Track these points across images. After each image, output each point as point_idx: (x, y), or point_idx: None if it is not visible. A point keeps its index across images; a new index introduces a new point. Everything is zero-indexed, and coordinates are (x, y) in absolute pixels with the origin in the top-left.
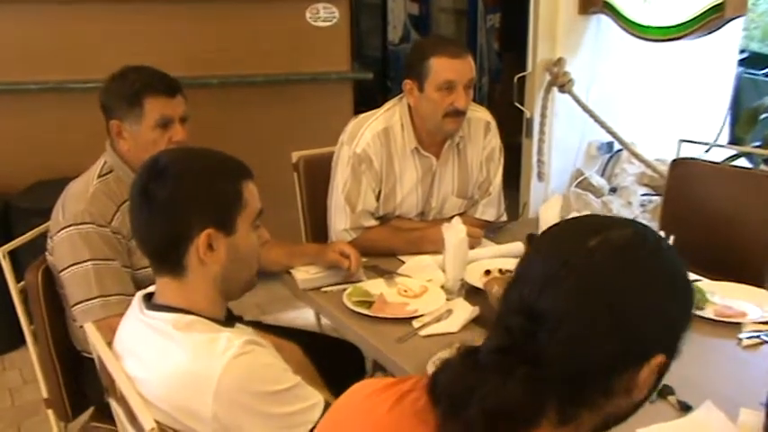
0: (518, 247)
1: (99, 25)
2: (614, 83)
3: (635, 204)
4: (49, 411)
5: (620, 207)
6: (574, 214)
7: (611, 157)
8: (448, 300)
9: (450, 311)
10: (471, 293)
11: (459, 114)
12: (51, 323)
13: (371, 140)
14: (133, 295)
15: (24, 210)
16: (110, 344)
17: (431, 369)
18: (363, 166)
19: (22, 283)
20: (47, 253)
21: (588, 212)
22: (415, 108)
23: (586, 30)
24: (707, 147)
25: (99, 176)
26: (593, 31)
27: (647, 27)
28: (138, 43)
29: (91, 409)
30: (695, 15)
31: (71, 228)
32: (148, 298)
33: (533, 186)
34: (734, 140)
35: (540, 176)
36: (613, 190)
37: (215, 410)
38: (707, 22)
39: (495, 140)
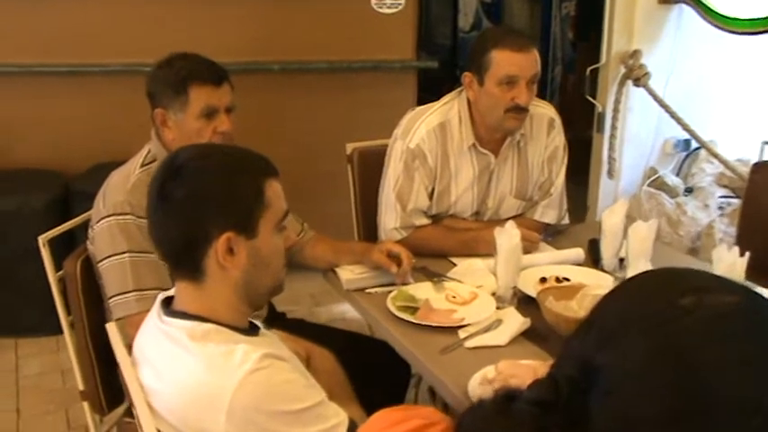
0: (577, 253)
1: (161, 9)
2: (694, 78)
3: (712, 207)
4: (85, 404)
5: (696, 209)
6: (641, 219)
7: (687, 155)
8: (498, 308)
9: (499, 321)
10: (524, 303)
11: (520, 111)
12: (89, 314)
13: (426, 135)
14: (170, 290)
15: (83, 193)
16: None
17: (471, 388)
18: (417, 162)
19: (61, 272)
20: (87, 242)
21: (657, 214)
22: (475, 103)
23: (666, 21)
24: None
25: (142, 165)
26: (674, 23)
27: (734, 19)
28: (199, 26)
29: (125, 403)
30: None
31: (111, 218)
32: (168, 303)
33: (603, 184)
34: None
35: (611, 174)
36: (689, 190)
37: (227, 430)
38: None
39: (558, 138)
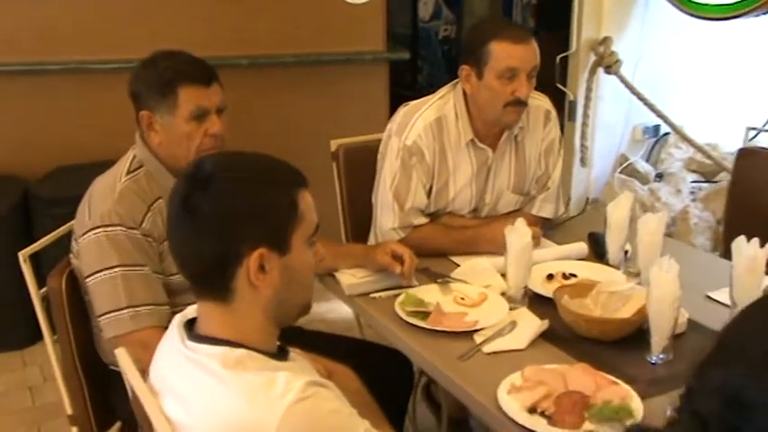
0: (580, 247)
1: (120, 2)
2: (661, 64)
3: (684, 192)
4: (74, 429)
5: (669, 195)
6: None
7: (656, 141)
8: (511, 309)
9: (513, 323)
10: (534, 301)
11: (520, 104)
12: (76, 333)
13: (423, 132)
14: (165, 305)
15: (45, 199)
16: (143, 372)
17: (501, 398)
18: (414, 159)
19: (44, 289)
20: (71, 255)
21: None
22: (472, 96)
23: (633, 7)
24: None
25: (128, 173)
26: (641, 9)
27: (704, 5)
28: (161, 21)
29: (117, 425)
30: None
31: (98, 230)
32: (190, 325)
33: (575, 172)
34: None
35: (584, 162)
36: (659, 176)
37: None
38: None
39: (555, 131)
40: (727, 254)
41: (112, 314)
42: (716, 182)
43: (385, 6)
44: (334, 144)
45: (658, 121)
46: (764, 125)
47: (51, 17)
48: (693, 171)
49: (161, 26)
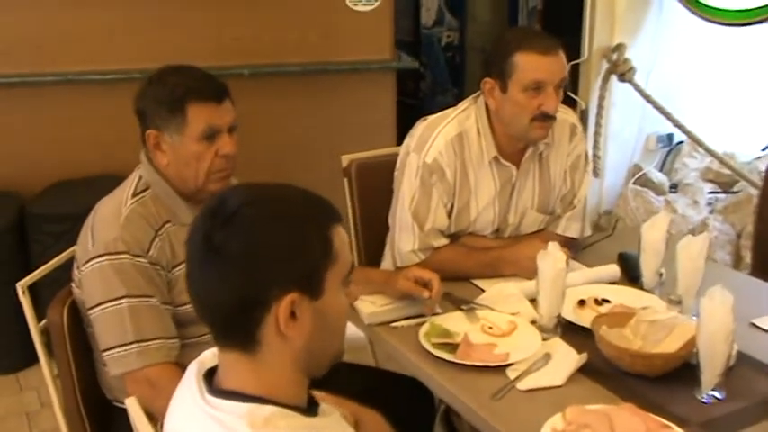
0: (612, 270)
1: (117, 11)
2: (674, 71)
3: (702, 203)
4: None
5: (686, 207)
6: (629, 219)
7: (670, 150)
8: (544, 340)
9: (548, 356)
10: (567, 330)
11: (547, 119)
12: (78, 367)
13: (444, 149)
14: (174, 338)
15: (41, 216)
16: (150, 414)
17: None
18: (434, 177)
19: (44, 321)
20: (72, 284)
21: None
22: (496, 111)
23: (647, 13)
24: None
25: (134, 195)
26: (655, 15)
27: (723, 10)
28: (159, 31)
29: None
30: None
31: (102, 258)
32: (209, 376)
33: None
34: None
35: (596, 172)
36: (674, 187)
37: None
38: None
39: (581, 146)
40: (755, 272)
41: (118, 349)
42: (734, 192)
43: (392, 14)
44: (345, 159)
45: (672, 129)
46: None
47: (47, 28)
48: (710, 181)
49: (159, 36)
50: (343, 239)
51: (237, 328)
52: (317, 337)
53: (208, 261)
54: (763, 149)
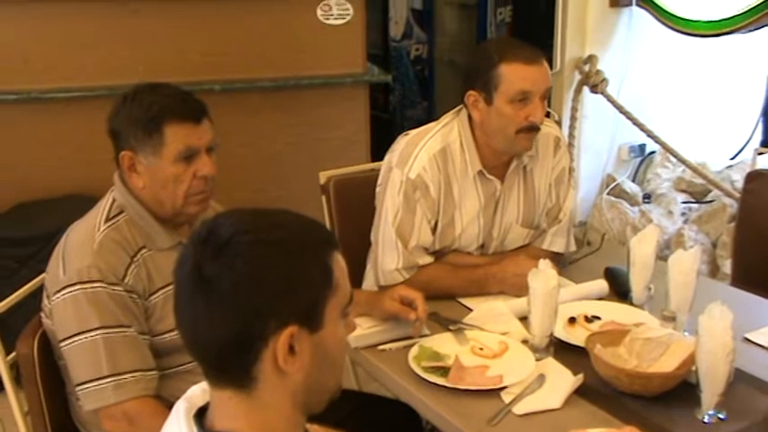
0: (600, 286)
1: (82, 26)
2: (645, 82)
3: (676, 213)
4: None
5: (660, 217)
6: (604, 229)
7: (642, 160)
8: (537, 360)
9: (542, 377)
10: (558, 349)
11: (533, 130)
12: (49, 403)
13: (428, 164)
14: (152, 370)
15: (3, 239)
16: None
17: None
18: (418, 193)
19: (13, 354)
20: (42, 315)
21: (620, 223)
22: (481, 123)
23: (617, 24)
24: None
25: (107, 220)
26: (625, 26)
27: (692, 21)
28: (124, 46)
29: None
30: (749, 8)
31: (75, 287)
32: (200, 416)
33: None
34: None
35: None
36: (647, 196)
37: None
38: (761, 16)
39: (565, 159)
40: (735, 282)
41: (93, 383)
42: (707, 202)
43: (364, 27)
44: (323, 176)
45: (644, 139)
46: (746, 143)
47: (4, 44)
48: (683, 191)
49: (125, 51)
50: (343, 267)
51: (232, 365)
52: (316, 371)
53: (199, 294)
54: (732, 158)
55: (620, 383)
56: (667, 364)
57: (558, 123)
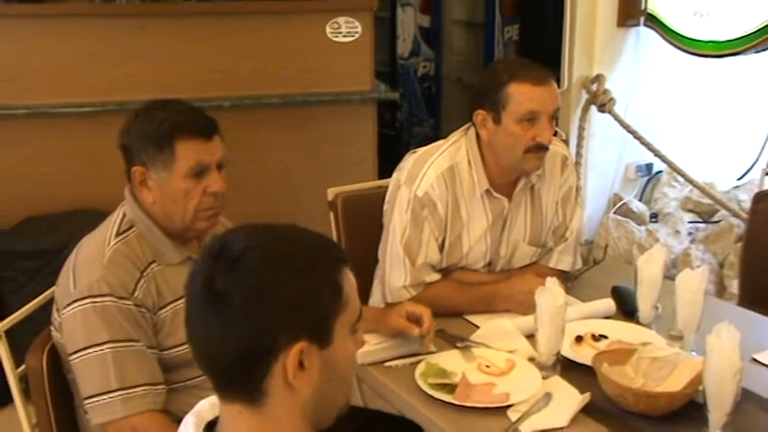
0: (607, 305)
1: (94, 43)
2: (652, 102)
3: (683, 233)
4: None
5: (667, 236)
6: (611, 248)
7: (649, 179)
8: (543, 378)
9: (549, 395)
10: (565, 367)
11: (542, 150)
12: (57, 415)
13: (436, 182)
14: (161, 384)
15: (13, 252)
16: None
17: None
18: (426, 211)
19: (22, 367)
20: (51, 328)
21: (627, 243)
22: (489, 142)
23: (624, 44)
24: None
25: (117, 234)
26: (633, 46)
27: (700, 42)
28: (137, 63)
29: None
30: (756, 29)
31: (85, 301)
32: (209, 430)
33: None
34: None
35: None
36: (654, 216)
37: None
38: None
39: (572, 178)
40: (742, 302)
41: (101, 397)
42: (714, 222)
43: (372, 45)
44: (331, 193)
45: (651, 159)
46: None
47: (19, 60)
48: (690, 211)
49: (136, 68)
50: (352, 284)
51: (242, 379)
52: (325, 387)
53: (210, 308)
54: (739, 179)
55: (627, 402)
56: (674, 383)
57: (566, 142)
